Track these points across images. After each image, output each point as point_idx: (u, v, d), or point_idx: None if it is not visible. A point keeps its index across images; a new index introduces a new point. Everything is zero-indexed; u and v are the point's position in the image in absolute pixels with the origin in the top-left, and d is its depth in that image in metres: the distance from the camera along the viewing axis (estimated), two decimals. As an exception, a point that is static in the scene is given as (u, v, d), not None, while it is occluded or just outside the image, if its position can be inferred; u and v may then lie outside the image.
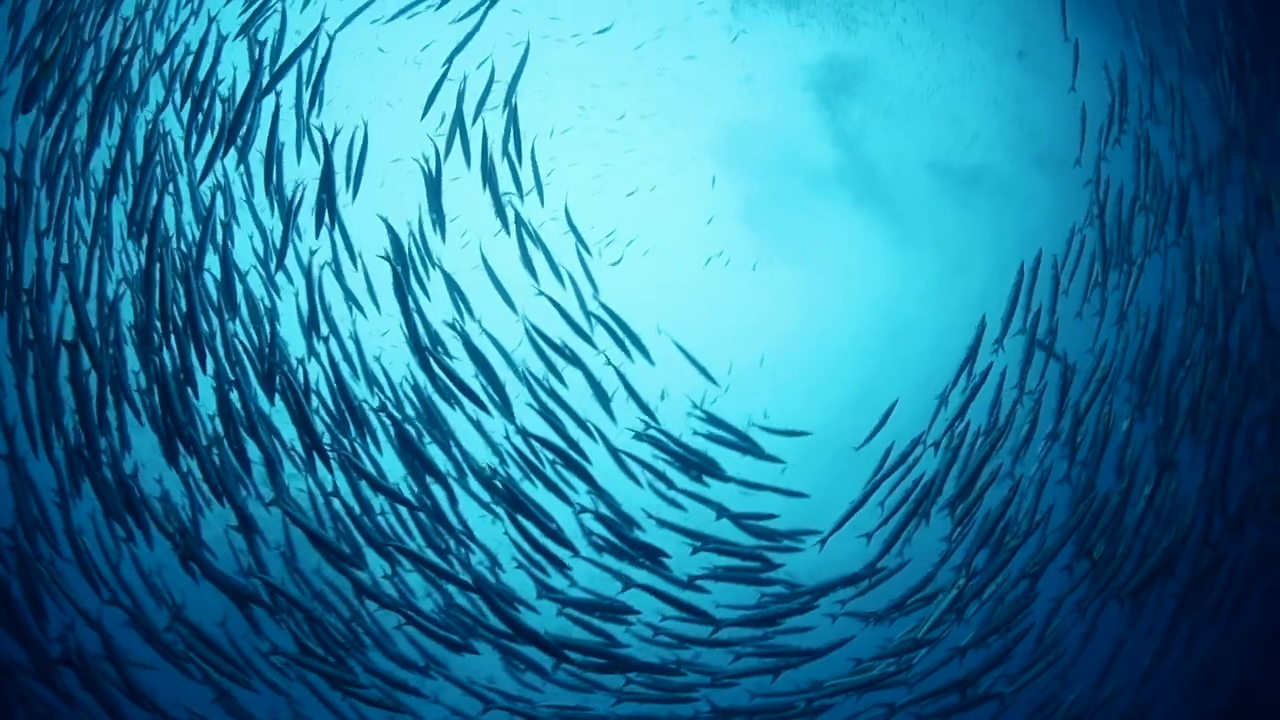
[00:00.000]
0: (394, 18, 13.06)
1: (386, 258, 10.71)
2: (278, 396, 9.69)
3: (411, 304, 10.73)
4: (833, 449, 13.41)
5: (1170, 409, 11.52)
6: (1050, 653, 11.57)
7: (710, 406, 13.23)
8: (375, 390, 11.16)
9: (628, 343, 11.57)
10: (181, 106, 10.58)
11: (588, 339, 11.34)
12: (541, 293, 11.20)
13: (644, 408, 11.65)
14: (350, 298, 11.46)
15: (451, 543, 10.76)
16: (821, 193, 18.92)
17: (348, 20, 12.73)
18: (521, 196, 11.44)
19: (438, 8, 12.77)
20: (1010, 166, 17.74)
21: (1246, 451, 11.87)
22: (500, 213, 11.28)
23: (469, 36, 12.08)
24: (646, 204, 18.62)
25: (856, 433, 12.04)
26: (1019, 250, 11.95)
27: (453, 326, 11.12)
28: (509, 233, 11.51)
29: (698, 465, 11.58)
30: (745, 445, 12.46)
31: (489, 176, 11.08)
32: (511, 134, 11.13)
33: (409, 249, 11.16)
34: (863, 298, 19.01)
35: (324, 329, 10.77)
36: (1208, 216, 12.14)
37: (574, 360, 11.29)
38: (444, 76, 11.66)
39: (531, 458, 10.71)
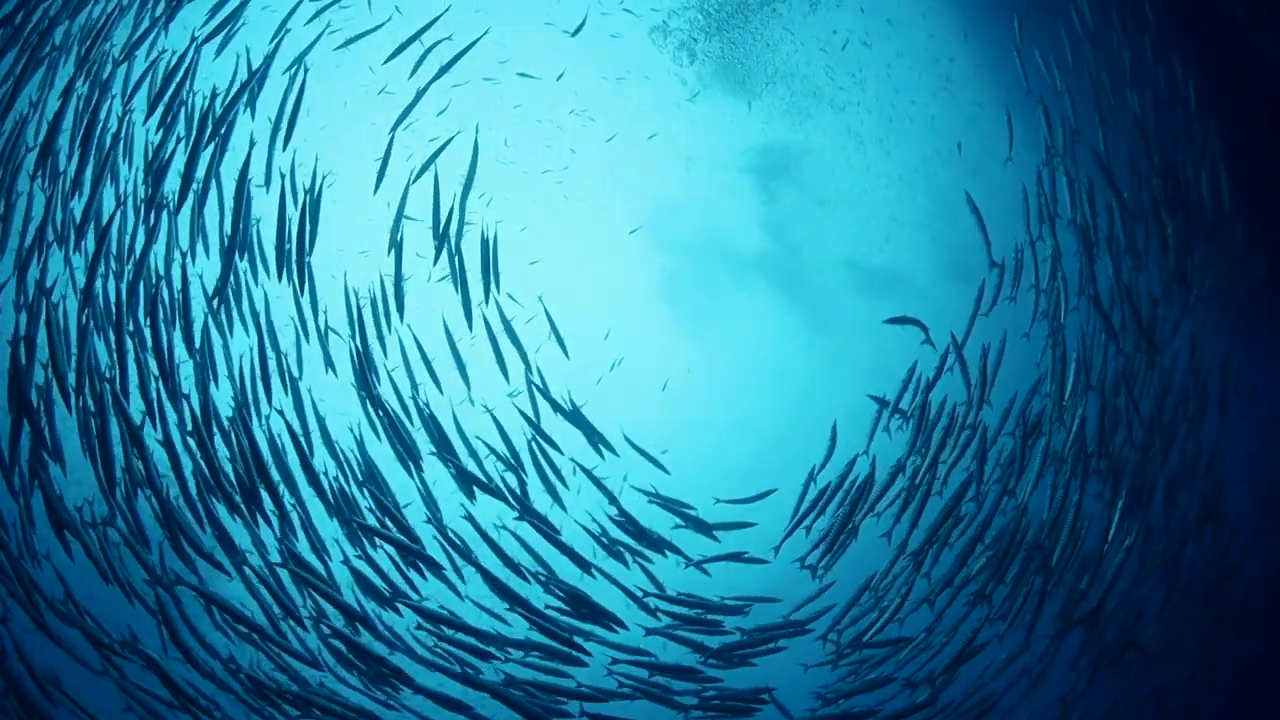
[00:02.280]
0: (345, 45, 12.71)
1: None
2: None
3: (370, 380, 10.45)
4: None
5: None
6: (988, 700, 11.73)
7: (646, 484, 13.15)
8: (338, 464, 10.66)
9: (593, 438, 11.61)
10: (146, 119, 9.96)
11: (583, 428, 11.47)
12: (538, 388, 11.20)
13: (610, 495, 11.58)
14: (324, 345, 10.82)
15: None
16: (740, 275, 19.00)
17: (312, 44, 12.32)
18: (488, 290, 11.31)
19: (386, 60, 12.60)
20: (930, 274, 17.92)
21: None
22: (467, 311, 11.05)
23: (410, 107, 12.13)
24: (562, 271, 18.29)
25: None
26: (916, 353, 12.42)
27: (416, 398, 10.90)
28: (470, 328, 11.32)
29: (657, 545, 11.53)
30: (693, 521, 12.37)
31: (459, 275, 10.96)
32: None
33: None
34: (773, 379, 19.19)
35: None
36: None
37: (545, 441, 11.27)
38: (390, 147, 11.49)
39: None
